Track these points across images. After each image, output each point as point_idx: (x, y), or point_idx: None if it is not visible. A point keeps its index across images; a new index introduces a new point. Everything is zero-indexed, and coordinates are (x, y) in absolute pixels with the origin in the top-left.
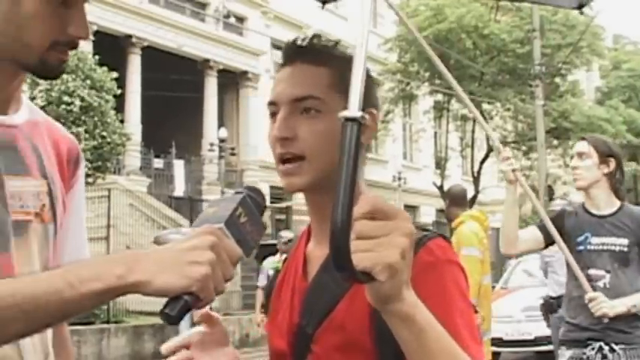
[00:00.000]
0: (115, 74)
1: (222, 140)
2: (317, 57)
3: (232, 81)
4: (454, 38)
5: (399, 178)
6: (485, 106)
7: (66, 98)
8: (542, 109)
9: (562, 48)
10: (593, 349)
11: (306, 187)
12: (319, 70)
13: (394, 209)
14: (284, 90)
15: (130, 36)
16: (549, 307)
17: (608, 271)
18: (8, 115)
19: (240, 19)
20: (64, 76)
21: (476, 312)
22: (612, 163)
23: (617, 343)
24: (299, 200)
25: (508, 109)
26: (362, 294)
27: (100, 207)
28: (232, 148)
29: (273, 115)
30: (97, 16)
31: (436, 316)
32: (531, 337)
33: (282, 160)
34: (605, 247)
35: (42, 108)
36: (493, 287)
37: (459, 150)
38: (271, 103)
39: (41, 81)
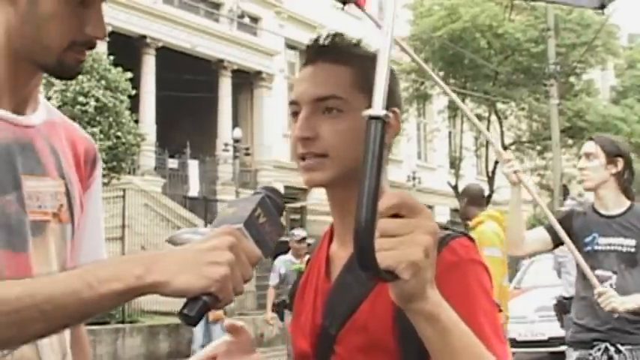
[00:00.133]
0: (129, 74)
1: (236, 140)
2: (339, 56)
3: (246, 81)
4: (468, 37)
5: (414, 178)
6: (499, 105)
7: (81, 99)
8: (557, 108)
9: (577, 47)
10: (599, 350)
11: (327, 183)
12: (341, 69)
13: (419, 206)
14: (306, 90)
15: (144, 36)
16: (562, 307)
17: (614, 272)
18: (26, 115)
19: (254, 19)
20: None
21: (500, 311)
22: (620, 163)
23: (622, 344)
24: (313, 200)
25: (523, 109)
26: (385, 294)
27: (115, 207)
28: (247, 148)
29: (295, 114)
30: (112, 16)
31: (460, 315)
32: (545, 338)
33: (303, 158)
34: (612, 248)
35: (57, 108)
36: None
37: (474, 149)
38: (293, 103)
39: (56, 81)
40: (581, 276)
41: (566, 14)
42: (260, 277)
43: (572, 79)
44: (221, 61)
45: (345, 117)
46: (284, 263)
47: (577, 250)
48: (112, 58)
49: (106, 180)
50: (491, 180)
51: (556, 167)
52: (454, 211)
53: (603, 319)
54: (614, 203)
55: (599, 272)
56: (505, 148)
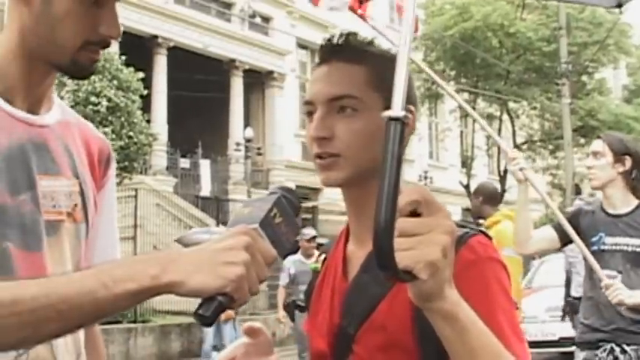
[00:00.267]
0: (141, 74)
1: (248, 140)
2: (353, 55)
3: (258, 81)
4: (480, 37)
5: (425, 178)
6: (511, 104)
7: (93, 99)
8: (569, 107)
9: (589, 46)
10: (604, 350)
11: (343, 182)
12: (355, 68)
13: (437, 204)
14: (321, 89)
15: (156, 36)
16: (572, 307)
17: (620, 272)
18: (40, 115)
19: (266, 19)
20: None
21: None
22: (628, 162)
23: (628, 344)
24: (325, 200)
25: (534, 108)
26: (403, 294)
27: (127, 207)
28: (258, 148)
29: (310, 114)
30: (123, 16)
31: (479, 313)
32: (555, 338)
33: (320, 157)
34: (618, 248)
35: None
36: None
37: (485, 149)
38: (308, 103)
39: (68, 82)
40: (589, 276)
41: (578, 13)
42: (271, 277)
43: (584, 78)
44: (233, 60)
45: (360, 116)
46: (293, 263)
47: None
48: (123, 58)
49: (118, 180)
50: (503, 179)
51: (568, 166)
52: (466, 210)
53: (608, 319)
54: (622, 202)
55: (605, 272)
56: (517, 147)
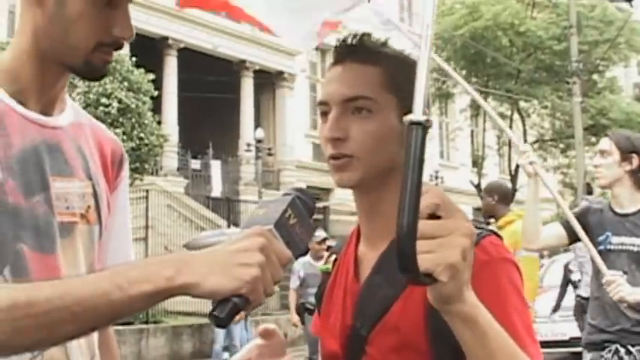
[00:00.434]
0: (151, 76)
1: (258, 141)
2: (367, 56)
3: (268, 81)
4: (490, 36)
5: (436, 177)
6: (522, 103)
7: (104, 100)
8: (580, 106)
9: (599, 44)
10: (609, 351)
11: (357, 183)
12: (369, 69)
13: (454, 206)
14: (335, 90)
15: (166, 38)
16: (581, 308)
17: (625, 272)
18: (53, 116)
19: None
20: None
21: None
22: (635, 160)
23: (633, 345)
24: (336, 200)
25: (545, 107)
26: (416, 295)
27: (138, 208)
28: (269, 149)
29: (324, 114)
30: (133, 18)
31: (493, 314)
32: (566, 338)
33: (334, 158)
34: (623, 248)
35: None
36: None
37: (496, 148)
38: (322, 103)
39: (79, 83)
40: (595, 275)
41: (589, 11)
42: (283, 277)
43: (595, 76)
44: (243, 61)
45: (375, 117)
46: (303, 265)
47: None
48: (134, 59)
49: (129, 181)
50: (514, 178)
51: (579, 165)
52: (477, 210)
53: (613, 320)
54: (629, 201)
55: (610, 273)
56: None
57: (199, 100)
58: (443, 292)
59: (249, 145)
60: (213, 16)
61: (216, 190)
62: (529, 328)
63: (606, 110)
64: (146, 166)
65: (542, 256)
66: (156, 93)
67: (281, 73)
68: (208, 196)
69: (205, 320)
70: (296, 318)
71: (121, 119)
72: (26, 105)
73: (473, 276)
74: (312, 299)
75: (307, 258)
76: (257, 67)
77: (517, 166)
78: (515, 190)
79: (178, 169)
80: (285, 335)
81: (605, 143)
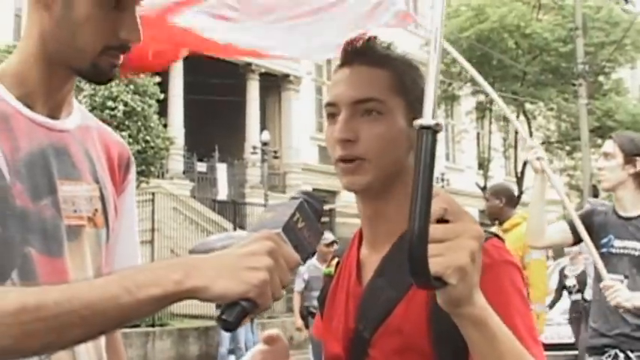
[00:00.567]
0: (157, 79)
1: (264, 143)
2: (375, 59)
3: (274, 84)
4: (496, 38)
5: (442, 180)
6: (528, 105)
7: (110, 103)
8: (586, 108)
9: (605, 46)
10: (609, 356)
11: (367, 187)
12: (378, 72)
13: (462, 209)
14: (344, 92)
15: None
16: (586, 311)
17: (626, 276)
18: (60, 119)
19: None
20: None
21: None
22: (639, 163)
23: (632, 351)
24: (342, 202)
25: (551, 109)
26: (418, 298)
27: (144, 211)
28: (275, 151)
29: (331, 116)
30: None
31: None
32: (572, 341)
33: (343, 160)
34: (625, 252)
35: None
36: None
37: (502, 151)
38: (330, 104)
39: (85, 86)
40: (597, 279)
41: (595, 13)
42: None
43: (601, 78)
44: (249, 64)
45: (384, 120)
46: (307, 268)
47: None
48: None
49: (135, 184)
50: (520, 181)
51: (585, 167)
52: (483, 212)
53: (613, 324)
54: (633, 205)
55: (611, 277)
56: None
57: (205, 102)
58: (453, 295)
59: (255, 147)
60: None
61: (222, 192)
62: (532, 330)
63: (612, 112)
64: (152, 169)
65: (547, 258)
66: (162, 96)
67: (287, 75)
68: (214, 198)
69: (211, 323)
70: (300, 322)
71: (127, 122)
72: (33, 108)
73: None
74: (315, 302)
75: (313, 260)
76: (263, 70)
77: (523, 169)
78: (521, 192)
79: (184, 172)
80: (291, 338)
81: (609, 146)
